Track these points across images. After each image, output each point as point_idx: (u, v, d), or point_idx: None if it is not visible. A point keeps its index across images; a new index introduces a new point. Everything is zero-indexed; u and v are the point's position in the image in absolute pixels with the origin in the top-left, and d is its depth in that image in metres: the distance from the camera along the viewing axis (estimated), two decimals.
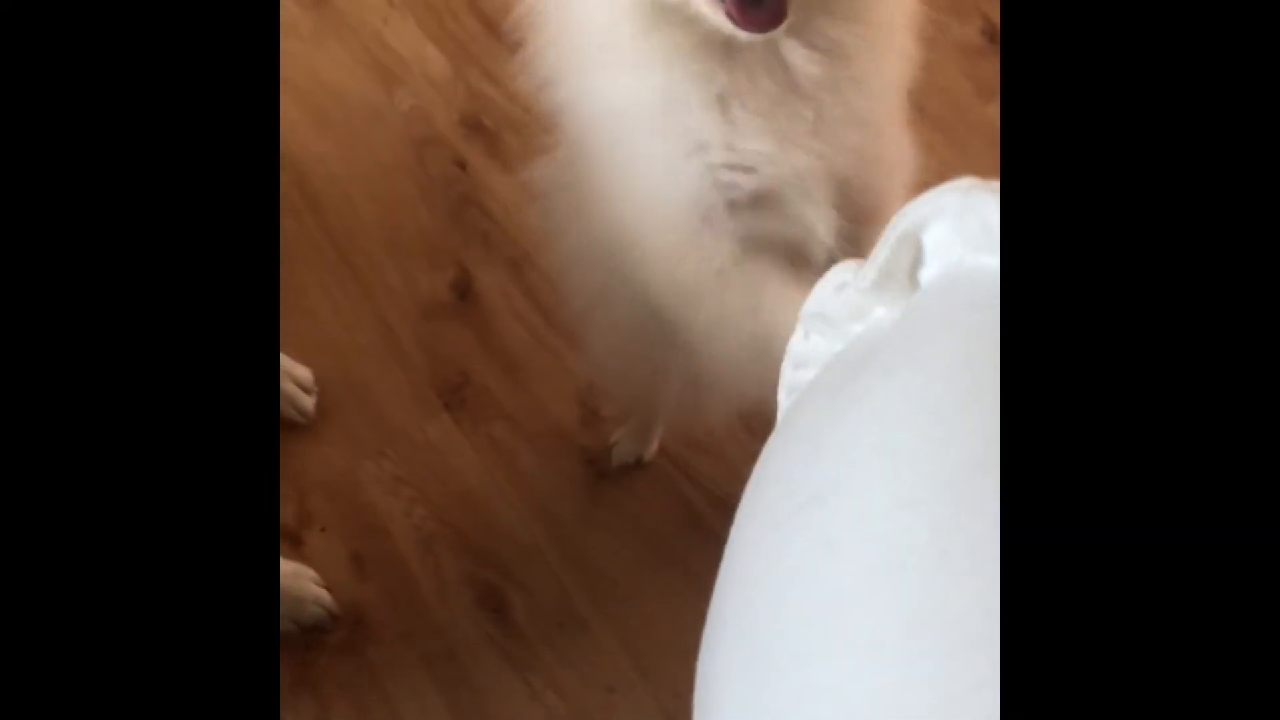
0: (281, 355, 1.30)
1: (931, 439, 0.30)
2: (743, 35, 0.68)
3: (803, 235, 0.79)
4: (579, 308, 1.00)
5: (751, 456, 1.25)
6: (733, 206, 0.76)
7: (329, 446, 1.29)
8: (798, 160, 0.74)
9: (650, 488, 1.25)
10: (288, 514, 1.24)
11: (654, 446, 1.25)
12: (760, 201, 0.76)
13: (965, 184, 0.33)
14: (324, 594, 1.18)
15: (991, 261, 0.32)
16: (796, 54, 0.71)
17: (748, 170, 0.74)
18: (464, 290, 1.38)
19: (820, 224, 0.78)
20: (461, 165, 1.48)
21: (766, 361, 0.84)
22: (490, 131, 1.51)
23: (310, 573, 1.19)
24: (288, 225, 1.44)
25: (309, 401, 1.29)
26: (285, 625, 1.15)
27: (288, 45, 1.59)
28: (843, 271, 0.37)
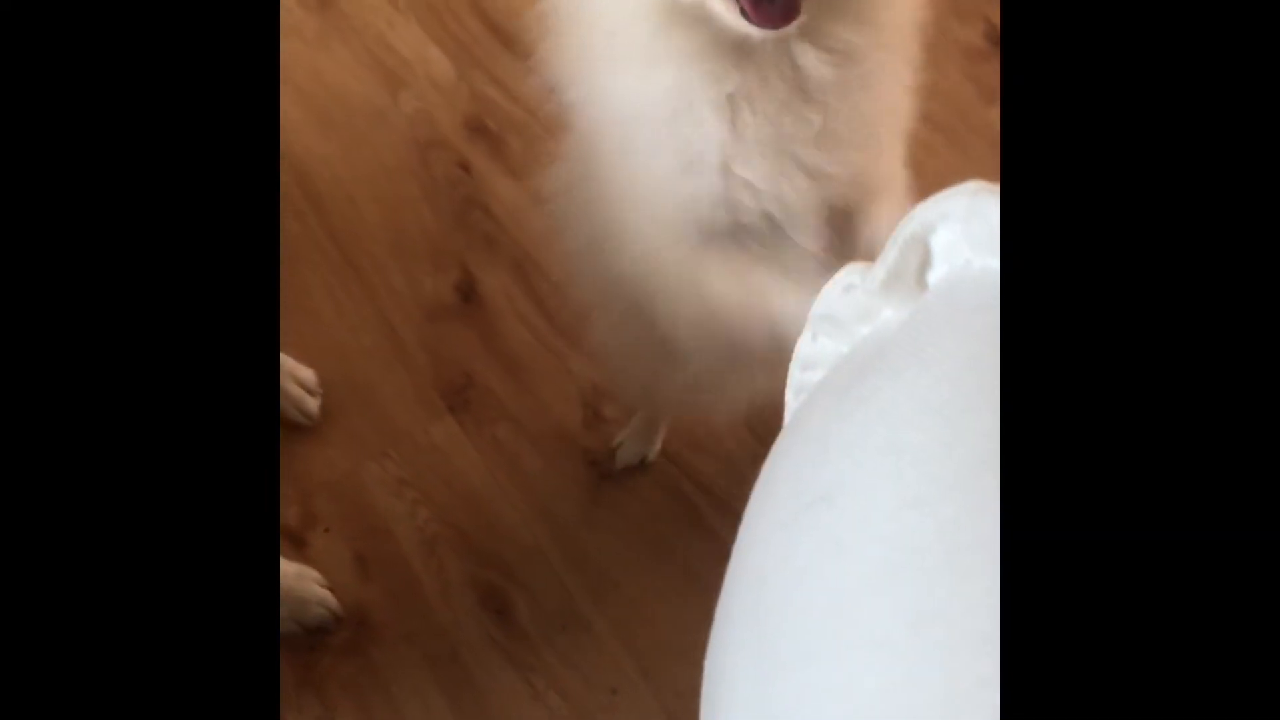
0: (285, 357, 1.30)
1: (938, 439, 0.30)
2: (755, 33, 0.68)
3: (791, 243, 0.79)
4: (585, 304, 1.01)
5: (754, 457, 1.25)
6: (732, 207, 0.77)
7: (333, 448, 1.29)
8: (796, 168, 0.75)
9: (653, 489, 1.25)
10: (291, 515, 1.24)
11: (657, 447, 1.25)
12: (747, 209, 0.77)
13: (972, 187, 0.33)
14: (327, 595, 1.18)
15: (998, 264, 0.33)
16: (808, 56, 0.71)
17: (750, 171, 0.75)
18: (467, 292, 1.39)
19: (806, 233, 0.78)
20: (465, 168, 1.49)
21: (753, 363, 0.85)
22: (494, 134, 1.51)
23: (314, 574, 1.19)
24: (291, 227, 1.44)
25: (313, 403, 1.30)
26: (289, 626, 1.15)
27: (292, 47, 1.60)
28: (851, 273, 0.37)
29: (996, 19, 1.51)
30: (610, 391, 1.30)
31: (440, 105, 1.54)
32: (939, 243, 0.34)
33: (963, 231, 0.33)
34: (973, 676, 0.27)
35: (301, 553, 1.22)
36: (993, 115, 1.44)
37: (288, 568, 1.16)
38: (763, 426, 1.25)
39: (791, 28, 0.68)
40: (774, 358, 0.82)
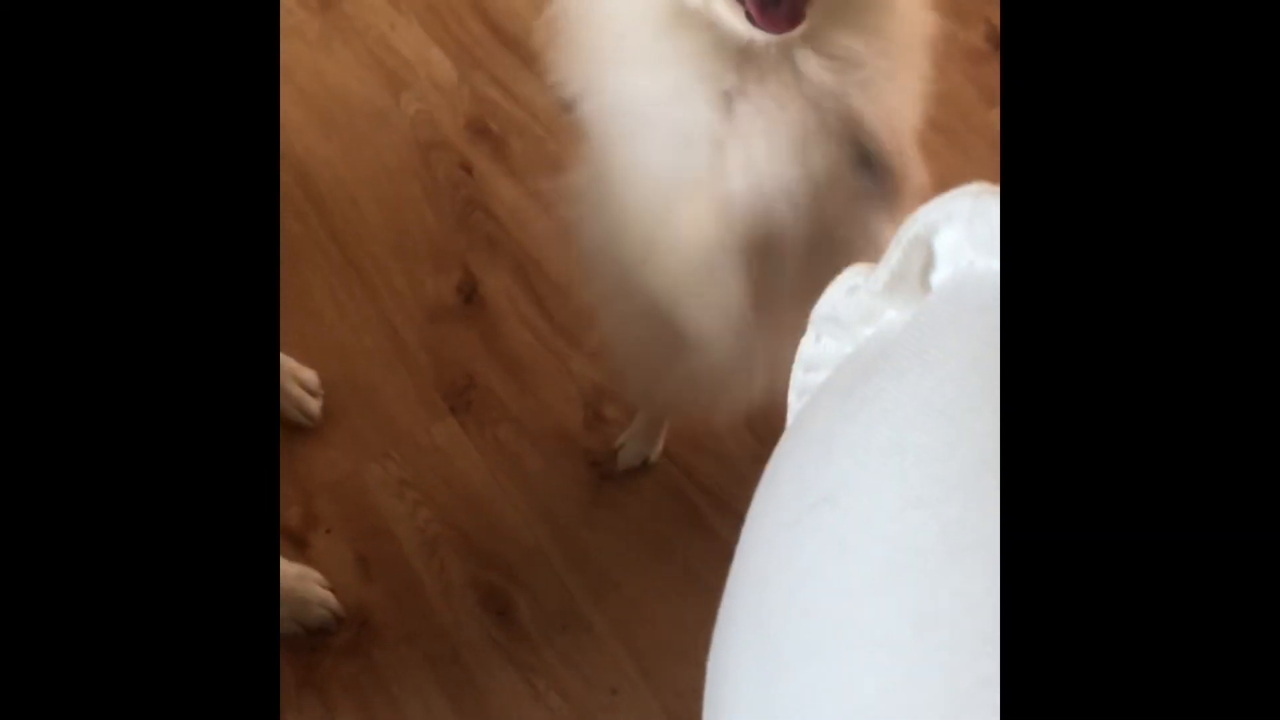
0: (287, 358, 1.30)
1: (942, 440, 0.31)
2: (760, 37, 0.69)
3: (779, 242, 0.79)
4: (592, 301, 1.02)
5: (754, 458, 1.26)
6: (726, 205, 0.77)
7: (334, 449, 1.29)
8: (787, 164, 0.75)
9: (654, 490, 1.26)
10: (293, 516, 1.25)
11: (659, 448, 1.25)
12: (751, 201, 0.77)
13: (976, 189, 0.33)
14: (329, 596, 1.18)
15: None
16: (809, 63, 0.71)
17: (743, 169, 0.75)
18: (469, 293, 1.39)
19: (794, 232, 0.79)
20: (467, 169, 1.49)
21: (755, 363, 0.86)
22: (496, 135, 1.52)
23: (315, 575, 1.19)
24: (293, 228, 1.44)
25: (314, 404, 1.30)
26: (290, 627, 1.15)
27: (294, 49, 1.60)
28: (854, 275, 0.37)
29: (998, 21, 1.52)
30: (612, 392, 1.30)
31: (442, 106, 1.54)
32: (942, 244, 0.34)
33: (966, 233, 0.33)
34: (975, 677, 0.27)
35: (303, 553, 1.22)
36: (994, 117, 1.44)
37: (289, 568, 1.17)
38: (764, 427, 1.25)
39: (795, 33, 0.69)
40: (775, 357, 0.82)
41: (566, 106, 0.82)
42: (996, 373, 0.30)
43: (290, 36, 1.61)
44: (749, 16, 0.68)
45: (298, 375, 1.30)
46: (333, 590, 1.19)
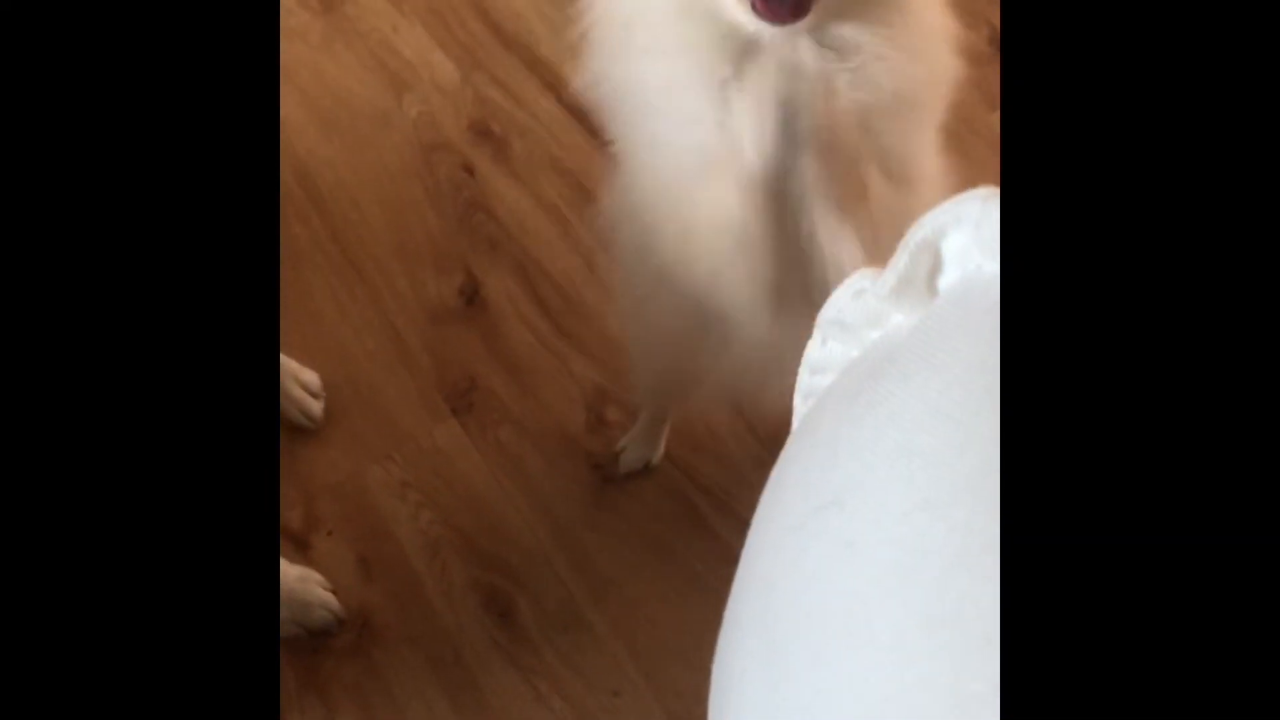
0: (288, 359, 1.30)
1: (949, 443, 0.31)
2: (766, 30, 0.69)
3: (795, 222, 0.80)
4: (618, 283, 1.04)
5: (756, 460, 1.25)
6: (742, 186, 0.78)
7: (336, 451, 1.29)
8: (784, 153, 0.76)
9: (655, 492, 1.26)
10: (295, 518, 1.25)
11: (661, 451, 1.25)
12: (748, 191, 0.78)
13: (984, 192, 0.33)
14: (330, 598, 1.18)
15: None
16: (810, 52, 0.72)
17: (742, 121, 0.76)
18: (471, 295, 1.39)
19: (802, 223, 0.79)
20: (469, 170, 1.49)
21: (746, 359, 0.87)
22: (498, 137, 1.52)
23: (317, 576, 1.19)
24: (295, 229, 1.44)
25: (316, 406, 1.30)
26: (292, 629, 1.15)
27: (296, 50, 1.60)
28: (861, 278, 0.37)
29: (999, 23, 1.52)
30: (614, 395, 1.31)
31: (444, 108, 1.55)
32: (950, 248, 0.34)
33: (974, 236, 0.33)
34: (984, 680, 0.27)
35: (304, 555, 1.22)
36: (996, 119, 1.44)
37: (290, 570, 1.16)
38: (765, 429, 1.26)
39: (800, 25, 0.69)
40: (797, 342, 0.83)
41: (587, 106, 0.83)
42: None
43: (293, 38, 1.61)
44: (753, 7, 0.69)
45: (299, 377, 1.30)
46: (334, 592, 1.19)
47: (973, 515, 0.29)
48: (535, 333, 1.36)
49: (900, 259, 0.34)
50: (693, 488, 1.26)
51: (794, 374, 0.41)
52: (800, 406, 0.41)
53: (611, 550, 1.22)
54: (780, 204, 0.78)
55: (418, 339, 1.36)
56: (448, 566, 1.22)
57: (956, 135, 1.43)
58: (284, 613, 1.14)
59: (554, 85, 1.56)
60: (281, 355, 1.28)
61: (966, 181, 0.36)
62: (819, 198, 0.78)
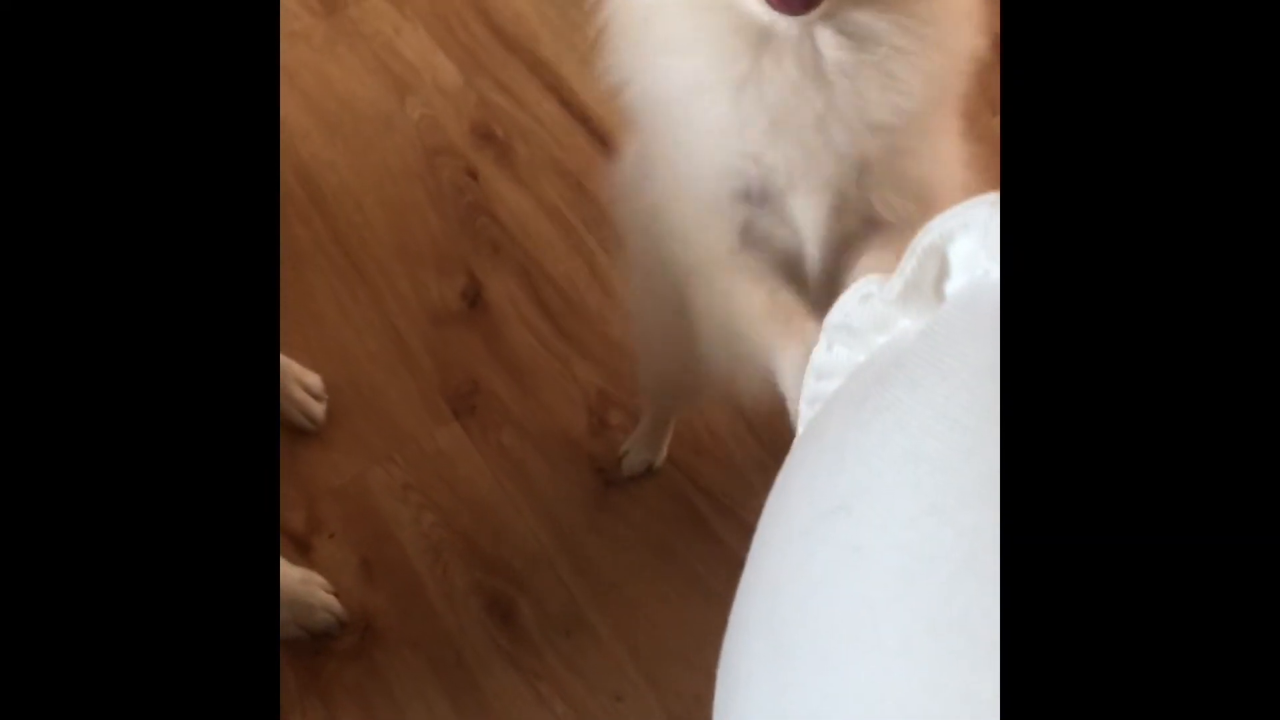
0: (291, 361, 1.30)
1: (956, 448, 0.31)
2: (780, 20, 0.69)
3: (793, 235, 0.80)
4: (631, 281, 1.03)
5: (758, 463, 1.25)
6: (736, 195, 0.78)
7: (338, 453, 1.29)
8: (794, 152, 0.75)
9: (657, 495, 1.26)
10: (297, 520, 1.25)
11: (663, 454, 1.25)
12: (759, 193, 0.77)
13: (991, 198, 0.33)
14: (332, 600, 1.18)
15: None
16: (826, 41, 0.72)
17: (752, 159, 0.76)
18: (474, 298, 1.39)
19: (809, 226, 0.79)
20: (472, 174, 1.49)
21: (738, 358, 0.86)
22: (501, 140, 1.52)
23: (319, 579, 1.19)
24: (298, 232, 1.44)
25: (318, 408, 1.30)
26: (294, 631, 1.15)
27: (299, 53, 1.60)
28: (868, 283, 0.37)
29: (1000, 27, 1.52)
30: (616, 398, 1.31)
31: (447, 111, 1.55)
32: (957, 253, 0.34)
33: (982, 242, 0.33)
34: (991, 684, 0.27)
35: (307, 557, 1.22)
36: (998, 124, 1.44)
37: (292, 572, 1.16)
38: (768, 432, 1.26)
39: (813, 15, 0.69)
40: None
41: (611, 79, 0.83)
42: None
43: (295, 41, 1.61)
44: (767, 0, 0.69)
45: (301, 379, 1.30)
46: (336, 594, 1.19)
47: (980, 520, 0.29)
48: (537, 335, 1.36)
49: (907, 264, 0.34)
50: (695, 491, 1.26)
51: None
52: (806, 411, 0.41)
53: (613, 553, 1.22)
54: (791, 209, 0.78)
55: (420, 341, 1.36)
56: (450, 569, 1.22)
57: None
58: (286, 615, 1.14)
59: (556, 88, 1.57)
60: (284, 357, 1.28)
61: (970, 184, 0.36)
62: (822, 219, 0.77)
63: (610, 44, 0.80)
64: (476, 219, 1.45)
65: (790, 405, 0.70)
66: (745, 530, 0.39)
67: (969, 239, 0.33)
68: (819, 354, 0.40)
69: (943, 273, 0.34)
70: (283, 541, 1.21)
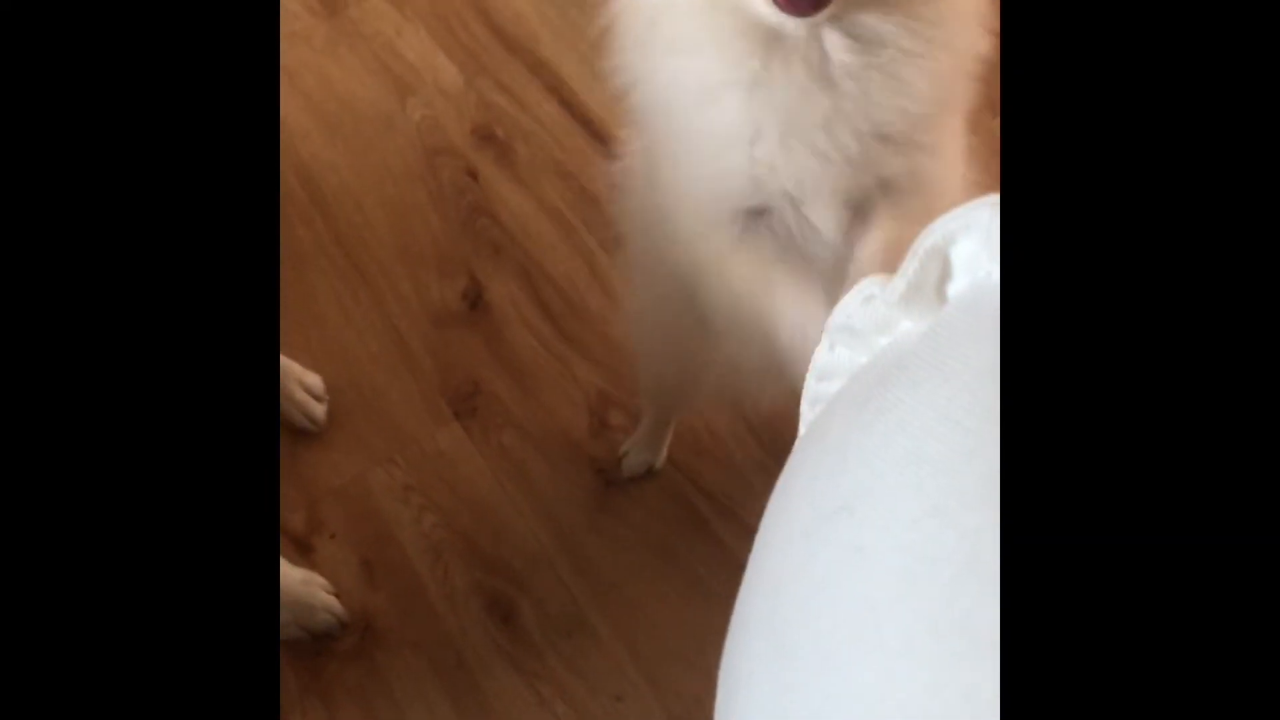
0: (292, 362, 1.30)
1: (959, 449, 0.31)
2: (788, 22, 0.69)
3: (805, 232, 0.80)
4: (633, 281, 1.03)
5: (759, 464, 1.25)
6: (746, 195, 0.78)
7: (339, 454, 1.29)
8: (804, 150, 0.75)
9: (658, 496, 1.26)
10: (297, 521, 1.25)
11: (664, 455, 1.25)
12: (769, 194, 0.78)
13: (994, 199, 0.33)
14: (333, 601, 1.18)
15: None
16: (834, 42, 0.72)
17: (765, 150, 0.76)
18: (475, 299, 1.39)
19: (824, 222, 0.79)
20: (473, 175, 1.49)
21: (764, 357, 0.86)
22: (501, 141, 1.52)
23: (320, 580, 1.19)
24: (299, 233, 1.45)
25: (319, 409, 1.30)
26: (295, 632, 1.15)
27: (300, 54, 1.60)
28: (870, 284, 0.37)
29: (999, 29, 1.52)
30: (617, 399, 1.31)
31: (448, 112, 1.55)
32: (960, 255, 0.34)
33: (984, 243, 0.33)
34: (993, 685, 0.27)
35: (308, 558, 1.22)
36: (998, 125, 1.44)
37: (293, 573, 1.16)
38: (768, 434, 1.26)
39: (821, 16, 0.69)
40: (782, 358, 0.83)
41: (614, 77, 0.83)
42: None
43: (296, 42, 1.62)
44: (775, 1, 0.69)
45: (302, 380, 1.30)
46: (337, 595, 1.19)
47: (982, 522, 0.29)
48: (538, 337, 1.36)
49: (910, 265, 0.34)
50: (695, 492, 1.26)
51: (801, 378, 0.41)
52: (808, 413, 0.41)
53: (614, 554, 1.22)
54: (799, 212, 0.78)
55: (421, 342, 1.36)
56: (450, 570, 1.22)
57: None
58: (287, 615, 1.14)
59: (557, 89, 1.57)
60: (284, 358, 1.28)
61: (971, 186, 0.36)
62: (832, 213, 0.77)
63: (615, 45, 0.80)
64: (477, 220, 1.45)
65: (799, 370, 0.70)
66: (745, 531, 0.39)
67: (971, 240, 0.33)
68: (821, 355, 0.40)
69: (945, 274, 0.34)
70: (283, 542, 1.22)
